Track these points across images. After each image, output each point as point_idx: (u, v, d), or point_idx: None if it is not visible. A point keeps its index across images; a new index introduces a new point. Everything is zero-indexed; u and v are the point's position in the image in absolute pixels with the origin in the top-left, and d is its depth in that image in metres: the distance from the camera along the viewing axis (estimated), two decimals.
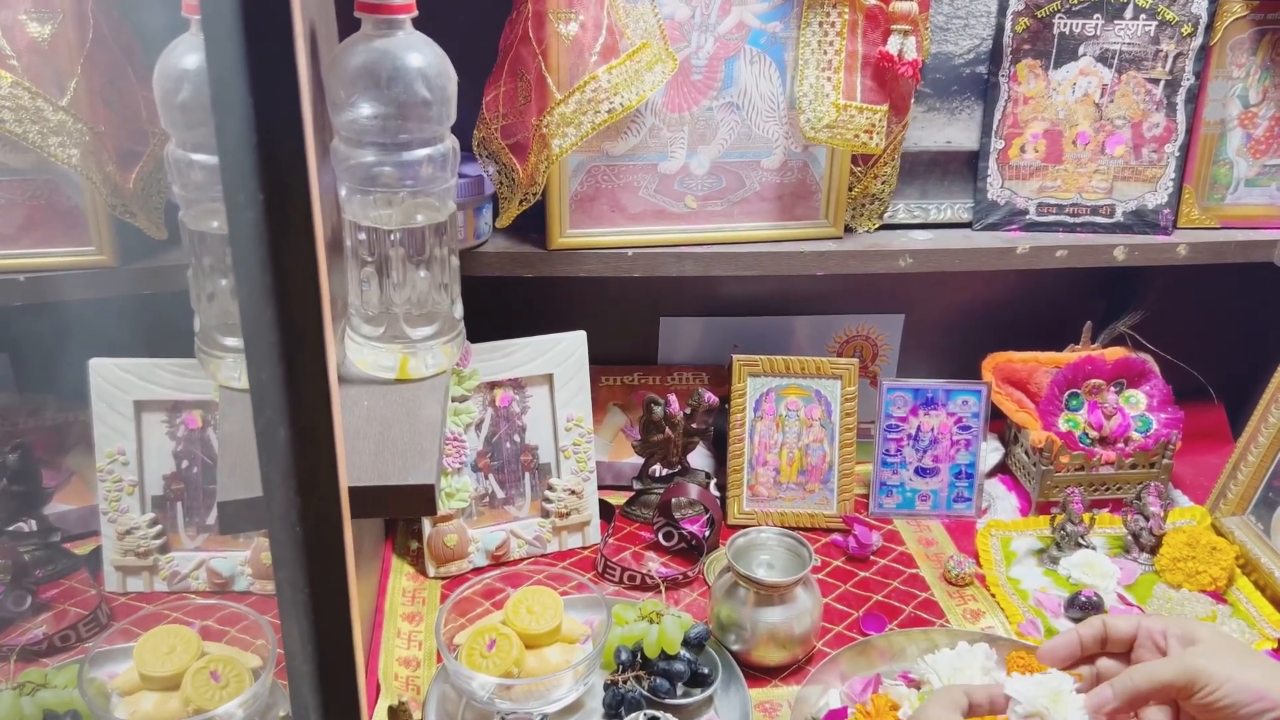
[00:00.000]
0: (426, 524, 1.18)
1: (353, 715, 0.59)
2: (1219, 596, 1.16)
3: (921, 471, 1.32)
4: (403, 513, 1.18)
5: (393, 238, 0.84)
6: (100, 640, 0.98)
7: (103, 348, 1.09)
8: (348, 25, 0.85)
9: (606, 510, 1.29)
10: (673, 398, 1.25)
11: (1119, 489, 1.31)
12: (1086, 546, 1.22)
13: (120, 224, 1.06)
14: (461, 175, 1.15)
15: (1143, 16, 1.24)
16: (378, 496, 0.76)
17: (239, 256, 0.48)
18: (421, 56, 0.82)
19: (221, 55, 0.45)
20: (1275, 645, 1.09)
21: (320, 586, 0.55)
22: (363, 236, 0.85)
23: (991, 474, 1.38)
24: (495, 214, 1.22)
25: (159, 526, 1.11)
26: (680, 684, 1.01)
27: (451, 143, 0.86)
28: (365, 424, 0.82)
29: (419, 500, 0.77)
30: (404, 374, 0.88)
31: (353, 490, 0.75)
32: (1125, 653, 0.81)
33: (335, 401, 0.53)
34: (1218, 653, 0.76)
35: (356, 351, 0.89)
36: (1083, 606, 1.13)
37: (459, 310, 0.92)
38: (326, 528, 0.54)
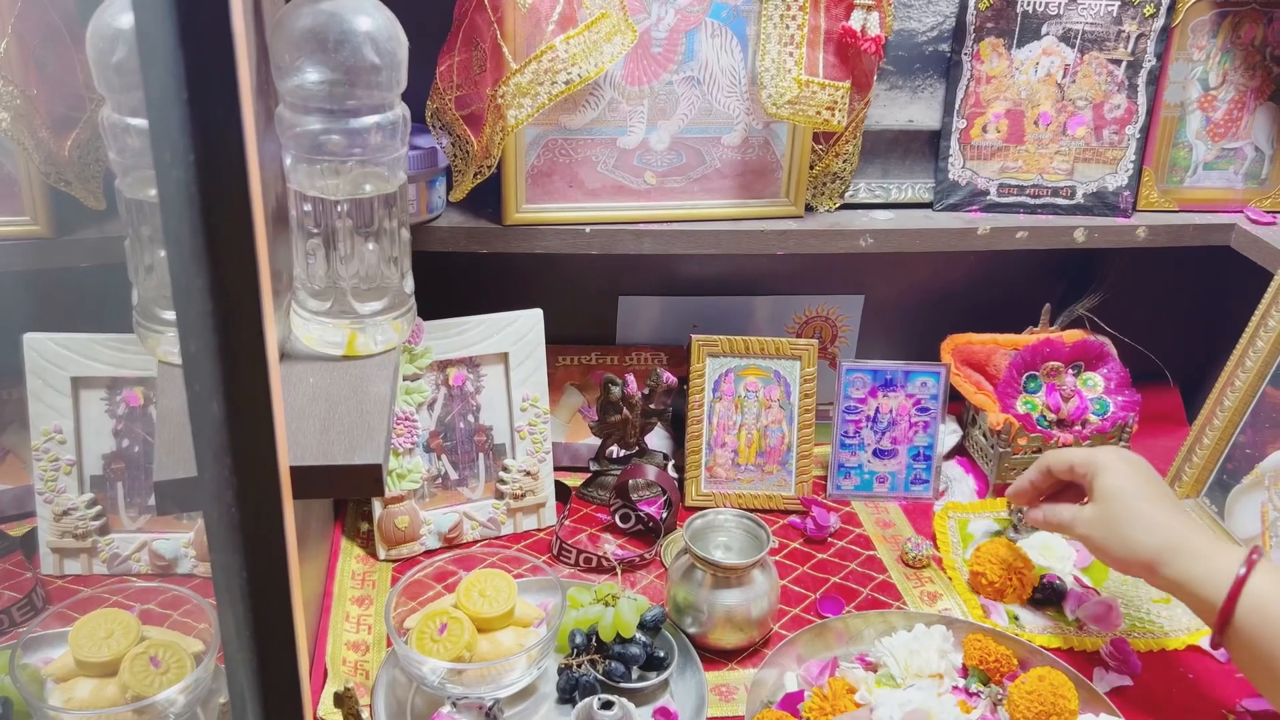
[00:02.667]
0: (377, 505, 1.15)
1: (294, 702, 0.57)
2: None
3: (880, 453, 1.32)
4: (349, 493, 1.15)
5: (340, 209, 0.81)
6: (35, 625, 0.95)
7: (38, 322, 1.05)
8: None
9: (563, 492, 1.27)
10: (631, 378, 1.23)
11: None
12: None
13: (56, 193, 1.02)
14: (415, 147, 1.12)
15: None
16: (322, 476, 0.74)
17: (168, 220, 0.45)
18: (370, 20, 0.78)
19: (148, 4, 0.42)
20: None
21: (258, 569, 0.52)
22: (308, 208, 0.82)
23: (949, 456, 1.38)
24: (449, 187, 1.19)
25: (98, 507, 1.08)
26: (635, 667, 0.99)
27: (402, 110, 0.83)
28: (310, 402, 0.79)
29: (366, 480, 0.74)
30: (352, 350, 0.85)
31: (296, 470, 0.73)
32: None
33: (274, 374, 0.50)
34: (1102, 520, 0.96)
35: (302, 327, 0.86)
36: (1046, 592, 1.13)
37: (409, 285, 0.89)
38: (265, 508, 0.52)
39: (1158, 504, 0.94)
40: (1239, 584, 0.86)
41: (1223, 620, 0.87)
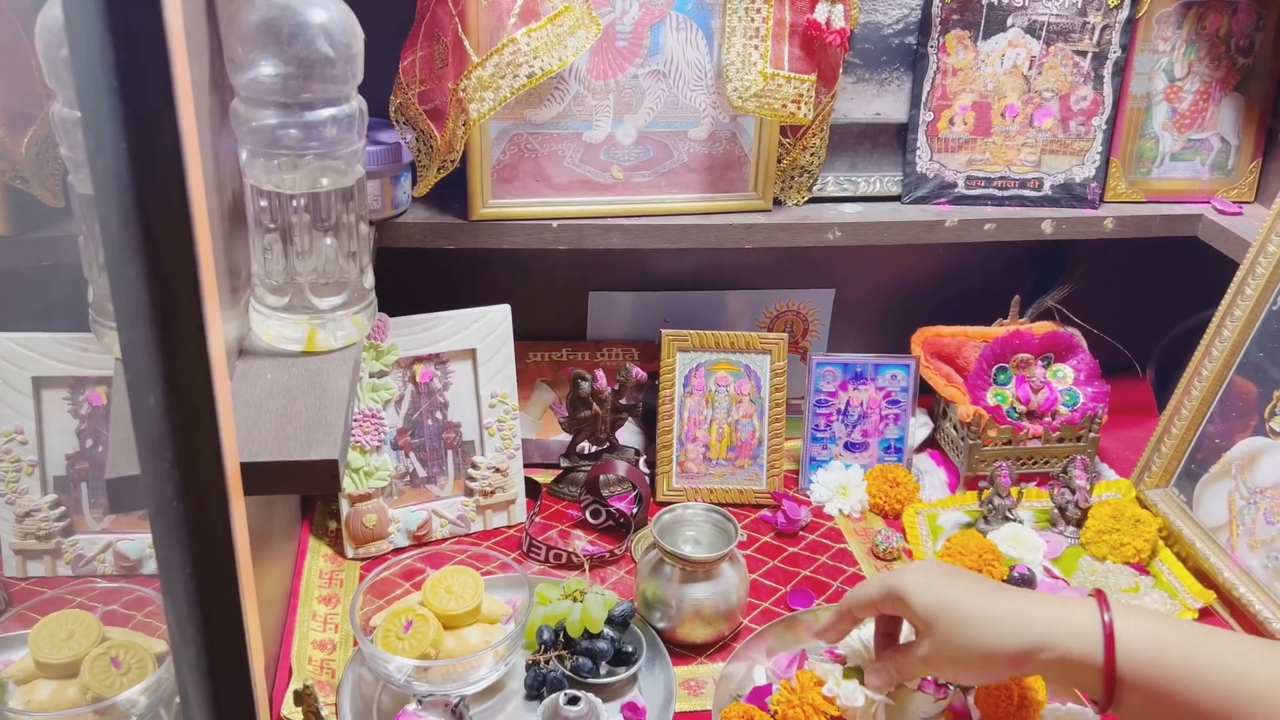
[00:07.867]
0: (345, 503, 1.14)
1: (244, 701, 0.56)
2: (1142, 568, 1.17)
3: (851, 446, 1.32)
4: (305, 489, 1.15)
5: (296, 203, 0.81)
6: None
7: None
8: None
9: (533, 488, 1.26)
10: (600, 373, 1.22)
11: (1046, 463, 1.32)
12: (1014, 520, 1.22)
13: (14, 191, 1.01)
14: (378, 143, 1.11)
15: None
16: (278, 472, 0.73)
17: (102, 210, 0.44)
18: (325, 12, 0.78)
19: None
20: (1196, 615, 1.10)
21: (203, 565, 0.52)
22: (264, 203, 0.81)
23: (920, 448, 1.38)
24: (414, 183, 1.18)
25: (62, 508, 1.06)
26: (604, 663, 0.99)
27: (358, 103, 0.82)
28: (268, 397, 0.79)
29: (322, 476, 0.74)
30: (311, 346, 0.85)
31: (251, 465, 0.72)
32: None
33: (218, 366, 0.49)
34: (943, 643, 0.80)
35: (261, 323, 0.86)
36: (1015, 583, 1.13)
37: (369, 280, 0.89)
38: (209, 502, 0.51)
39: (985, 594, 0.81)
40: (1109, 631, 0.74)
41: (1109, 678, 0.74)
